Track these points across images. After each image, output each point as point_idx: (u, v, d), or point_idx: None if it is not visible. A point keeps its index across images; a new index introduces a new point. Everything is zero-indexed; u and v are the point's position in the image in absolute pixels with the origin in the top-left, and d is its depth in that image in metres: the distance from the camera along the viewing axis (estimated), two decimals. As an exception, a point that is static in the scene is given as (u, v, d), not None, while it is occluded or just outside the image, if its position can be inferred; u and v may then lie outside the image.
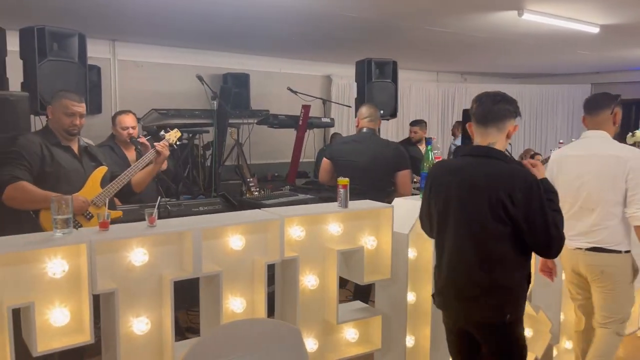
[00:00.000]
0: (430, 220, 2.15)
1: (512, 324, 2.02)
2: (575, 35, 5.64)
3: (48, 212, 2.56)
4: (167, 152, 3.06)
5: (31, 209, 2.62)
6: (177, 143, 3.14)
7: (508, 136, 1.99)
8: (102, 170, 2.86)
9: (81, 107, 2.82)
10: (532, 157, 6.87)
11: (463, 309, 2.04)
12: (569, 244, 2.66)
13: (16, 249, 1.62)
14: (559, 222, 1.94)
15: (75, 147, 2.85)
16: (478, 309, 1.99)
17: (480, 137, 2.01)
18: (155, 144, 3.04)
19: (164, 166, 3.68)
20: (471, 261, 1.95)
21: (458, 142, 6.13)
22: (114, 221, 1.91)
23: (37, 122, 3.97)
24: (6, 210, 2.61)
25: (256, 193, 4.82)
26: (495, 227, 1.88)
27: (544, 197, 1.89)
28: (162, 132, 3.11)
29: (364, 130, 3.59)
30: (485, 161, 1.95)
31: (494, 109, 1.96)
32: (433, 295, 2.19)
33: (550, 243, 1.90)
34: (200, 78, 4.75)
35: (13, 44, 3.84)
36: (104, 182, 2.85)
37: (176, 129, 3.16)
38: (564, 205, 2.24)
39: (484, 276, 1.94)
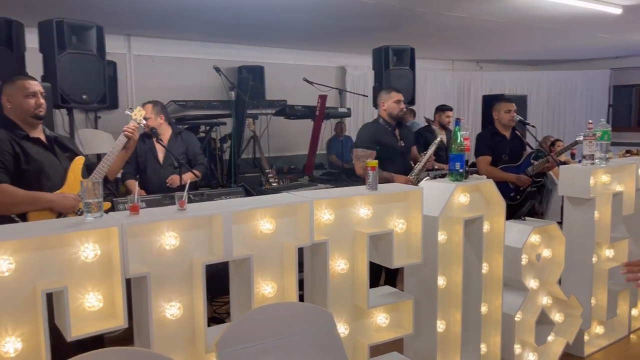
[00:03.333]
0: None
1: None
2: (596, 17, 5.52)
3: (37, 214, 2.36)
4: (137, 135, 2.77)
5: (16, 214, 2.34)
6: (144, 122, 2.92)
7: None
8: (79, 160, 2.62)
9: (39, 86, 2.53)
10: (553, 144, 6.77)
11: None
12: None
13: (48, 232, 1.60)
14: None
15: (43, 138, 2.56)
16: None
17: None
18: (124, 127, 2.75)
19: (198, 174, 3.62)
20: None
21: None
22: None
23: (57, 116, 3.98)
24: None
25: (275, 184, 4.80)
26: None
27: None
28: (127, 112, 2.86)
29: None
30: None
31: None
32: None
33: None
34: (217, 69, 4.73)
35: (30, 40, 3.85)
36: (83, 174, 2.61)
37: (139, 107, 2.88)
38: None
39: None
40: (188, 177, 3.49)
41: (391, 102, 3.67)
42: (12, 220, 2.31)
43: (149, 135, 3.61)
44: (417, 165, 3.70)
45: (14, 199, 2.32)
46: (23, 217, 2.36)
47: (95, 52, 3.79)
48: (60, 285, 1.59)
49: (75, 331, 1.62)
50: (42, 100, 2.51)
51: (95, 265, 1.68)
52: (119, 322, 1.68)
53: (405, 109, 3.76)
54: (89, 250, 1.65)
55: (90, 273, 1.68)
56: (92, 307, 1.68)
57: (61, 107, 3.73)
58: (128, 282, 1.79)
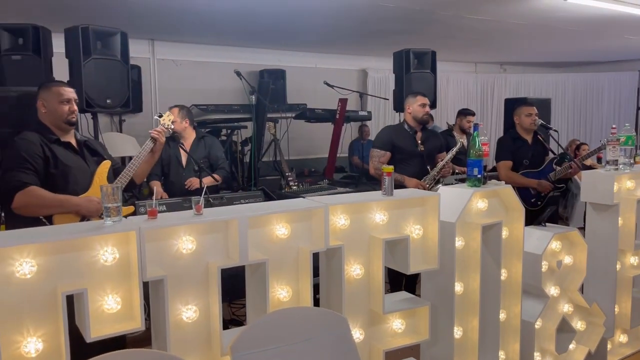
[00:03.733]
0: None
1: None
2: (622, 18, 5.41)
3: (62, 216, 2.44)
4: (163, 139, 2.82)
5: (44, 215, 2.41)
6: (172, 127, 2.98)
7: None
8: (106, 164, 2.68)
9: (73, 92, 2.61)
10: (578, 147, 6.64)
11: None
12: None
13: (69, 236, 1.64)
14: None
15: (74, 142, 2.65)
16: None
17: None
18: (150, 131, 2.81)
19: (218, 178, 3.71)
20: None
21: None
22: (125, 216, 1.83)
23: (83, 120, 4.08)
24: (15, 219, 2.42)
25: (295, 187, 4.83)
26: None
27: None
28: (155, 117, 2.93)
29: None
30: None
31: None
32: None
33: None
34: (238, 73, 4.78)
35: (57, 45, 3.95)
36: (110, 179, 2.68)
37: (168, 112, 2.96)
38: None
39: None
40: (207, 181, 3.54)
41: (416, 105, 3.68)
42: (39, 221, 2.38)
43: (173, 138, 3.68)
44: (432, 171, 3.68)
45: (42, 201, 2.38)
46: (49, 219, 2.42)
47: (119, 58, 3.86)
48: (80, 287, 1.63)
49: (94, 332, 1.66)
50: (75, 107, 2.59)
51: (114, 268, 1.72)
52: (136, 324, 1.72)
53: (429, 113, 3.75)
54: (108, 254, 1.69)
55: (109, 276, 1.72)
56: (111, 309, 1.72)
57: (86, 111, 3.81)
58: (146, 285, 1.83)
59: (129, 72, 3.96)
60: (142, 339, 2.98)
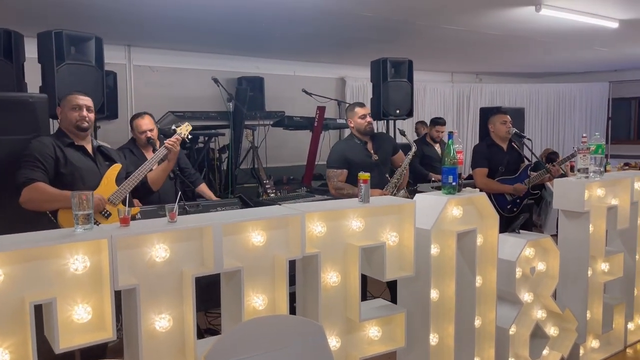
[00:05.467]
0: None
1: None
2: (593, 30, 5.56)
3: (66, 211, 2.61)
4: (177, 148, 3.06)
5: (49, 210, 2.63)
6: (189, 137, 3.13)
7: None
8: (116, 167, 2.87)
9: (86, 100, 2.83)
10: (550, 156, 6.78)
11: None
12: None
13: (37, 244, 1.61)
14: None
15: (88, 147, 2.86)
16: None
17: None
18: (165, 141, 3.04)
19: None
20: None
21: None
22: (133, 217, 1.89)
23: (56, 126, 4.00)
24: (25, 214, 2.61)
25: (273, 195, 4.81)
26: None
27: None
28: (173, 127, 3.10)
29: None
30: None
31: None
32: None
33: None
34: (215, 80, 4.76)
35: (29, 51, 3.87)
36: (119, 181, 2.85)
37: (187, 123, 3.14)
38: None
39: None
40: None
41: (356, 118, 3.59)
42: (47, 217, 2.62)
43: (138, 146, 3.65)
44: (392, 178, 3.64)
45: (46, 196, 2.57)
46: (55, 215, 2.63)
47: (93, 63, 3.79)
48: (49, 296, 1.60)
49: (63, 343, 1.62)
50: (86, 114, 2.78)
51: (84, 277, 1.69)
52: (107, 334, 1.68)
53: (371, 123, 3.68)
54: (78, 262, 1.66)
55: (79, 285, 1.68)
56: (81, 319, 1.68)
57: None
58: (119, 296, 1.79)
59: (103, 77, 3.90)
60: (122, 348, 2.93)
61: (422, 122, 7.15)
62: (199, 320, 3.59)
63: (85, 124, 2.79)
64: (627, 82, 9.36)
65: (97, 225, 1.80)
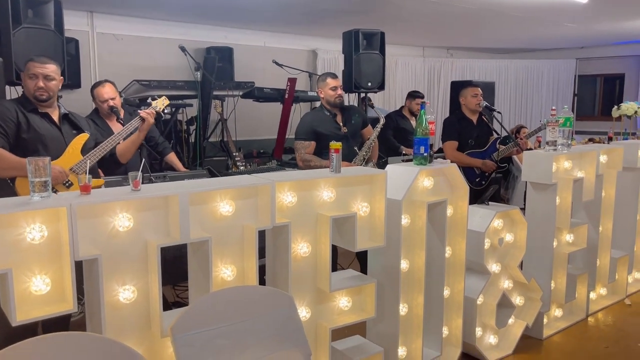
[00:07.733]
0: None
1: None
2: (563, 5, 5.58)
3: (24, 179, 2.48)
4: (152, 120, 2.97)
5: (7, 177, 2.55)
6: (165, 111, 3.06)
7: None
8: (83, 137, 2.76)
9: (45, 68, 2.63)
10: (518, 131, 6.86)
11: None
12: None
13: (-9, 213, 1.52)
14: None
15: (54, 115, 2.74)
16: None
17: None
18: (139, 110, 2.95)
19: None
20: None
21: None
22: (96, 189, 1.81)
23: (14, 93, 3.81)
24: None
25: (242, 167, 4.73)
26: None
27: None
28: (149, 99, 3.02)
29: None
30: None
31: None
32: None
33: None
34: (183, 48, 4.61)
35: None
36: (86, 150, 2.74)
37: (164, 97, 3.07)
38: None
39: None
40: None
41: (327, 89, 3.53)
42: (5, 182, 2.55)
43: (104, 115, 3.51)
44: (361, 151, 3.61)
45: (6, 164, 2.49)
46: (13, 181, 2.56)
47: (52, 28, 3.61)
48: (4, 267, 1.52)
49: (20, 315, 1.55)
50: (42, 83, 2.61)
51: (42, 247, 1.61)
52: (68, 305, 1.62)
53: (341, 95, 3.62)
54: (35, 232, 1.58)
55: (37, 255, 1.61)
56: (39, 291, 1.61)
57: (16, 83, 3.56)
58: (81, 268, 1.72)
59: (63, 43, 3.71)
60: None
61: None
62: (167, 293, 3.53)
63: (44, 95, 2.63)
64: (593, 59, 9.51)
65: (56, 193, 1.71)
